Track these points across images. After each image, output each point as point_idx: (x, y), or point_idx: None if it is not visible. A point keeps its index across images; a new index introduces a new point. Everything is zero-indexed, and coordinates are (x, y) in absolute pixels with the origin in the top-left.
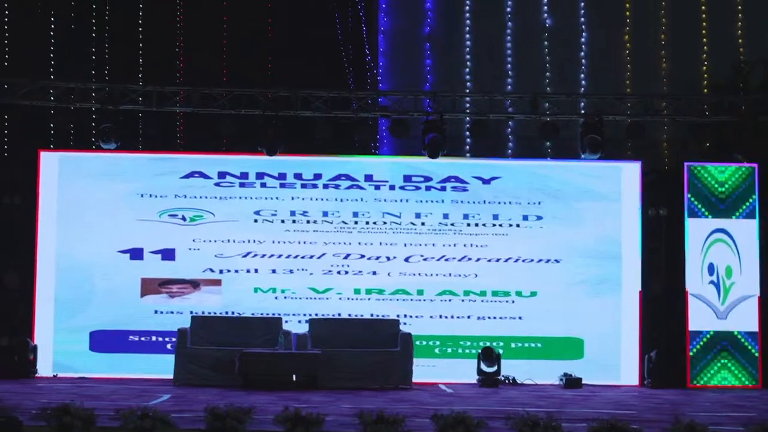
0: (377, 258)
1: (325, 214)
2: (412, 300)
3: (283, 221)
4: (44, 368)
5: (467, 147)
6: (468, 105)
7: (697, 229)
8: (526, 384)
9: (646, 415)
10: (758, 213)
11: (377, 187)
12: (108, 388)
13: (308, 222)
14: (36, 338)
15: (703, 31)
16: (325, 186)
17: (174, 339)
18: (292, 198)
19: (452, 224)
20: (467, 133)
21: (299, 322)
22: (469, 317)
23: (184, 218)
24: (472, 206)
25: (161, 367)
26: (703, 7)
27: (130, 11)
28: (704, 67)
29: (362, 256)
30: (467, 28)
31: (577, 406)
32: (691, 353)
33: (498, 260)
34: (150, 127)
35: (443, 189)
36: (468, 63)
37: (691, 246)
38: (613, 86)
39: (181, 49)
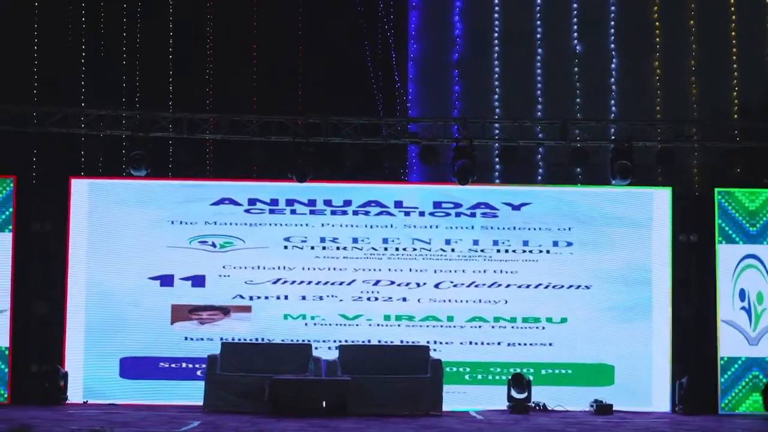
0: (407, 284)
1: (355, 240)
2: (442, 326)
3: (312, 248)
4: (75, 395)
5: (496, 173)
6: (497, 131)
7: (727, 255)
8: (556, 410)
9: None
10: None
11: (407, 214)
12: (138, 415)
13: (338, 248)
14: (66, 365)
15: (734, 57)
16: (355, 212)
17: (204, 366)
18: (322, 224)
19: (482, 250)
20: (496, 159)
21: (329, 348)
22: (499, 344)
23: (214, 245)
24: (501, 232)
25: (191, 393)
26: (733, 33)
27: (160, 39)
28: (734, 93)
29: (392, 283)
30: (496, 54)
31: None
32: (722, 379)
33: (528, 286)
34: (181, 154)
35: (473, 215)
36: (497, 89)
37: (722, 272)
38: (643, 112)
39: (212, 76)
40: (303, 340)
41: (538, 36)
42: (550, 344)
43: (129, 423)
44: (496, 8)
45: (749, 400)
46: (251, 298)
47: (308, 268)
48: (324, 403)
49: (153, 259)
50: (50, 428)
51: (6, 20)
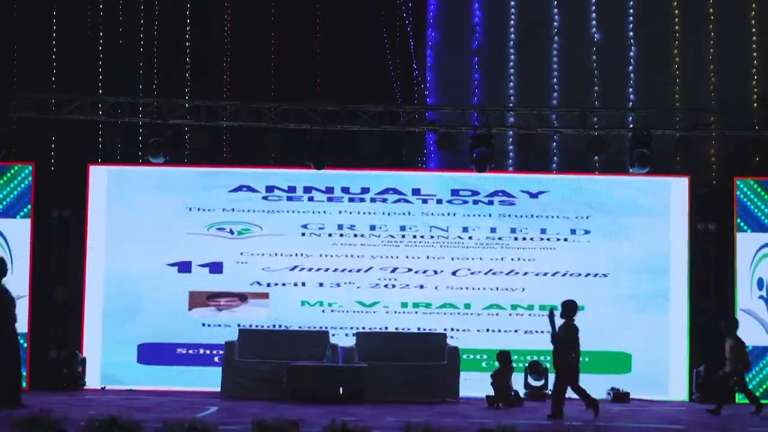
0: (424, 272)
1: (373, 227)
2: (459, 314)
3: (330, 235)
4: (93, 380)
5: (510, 161)
6: (515, 119)
7: (746, 244)
8: (573, 398)
9: (694, 430)
10: None
11: (424, 201)
12: (156, 401)
13: (355, 236)
14: (85, 351)
15: (753, 45)
16: (373, 200)
17: (221, 352)
18: (340, 212)
19: (499, 238)
20: (510, 147)
21: (346, 335)
22: (516, 331)
23: (231, 232)
24: (519, 220)
25: (209, 379)
26: (753, 21)
27: (178, 27)
28: (754, 82)
29: (409, 270)
30: (512, 42)
31: (625, 420)
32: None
33: (545, 274)
34: (199, 141)
35: (491, 203)
36: (515, 77)
37: (740, 261)
38: (662, 101)
39: (229, 64)
40: (320, 327)
41: (556, 24)
42: None
43: (147, 408)
44: None
45: None
46: (269, 284)
47: (325, 255)
48: (341, 390)
49: (171, 245)
50: (68, 414)
51: (25, 8)
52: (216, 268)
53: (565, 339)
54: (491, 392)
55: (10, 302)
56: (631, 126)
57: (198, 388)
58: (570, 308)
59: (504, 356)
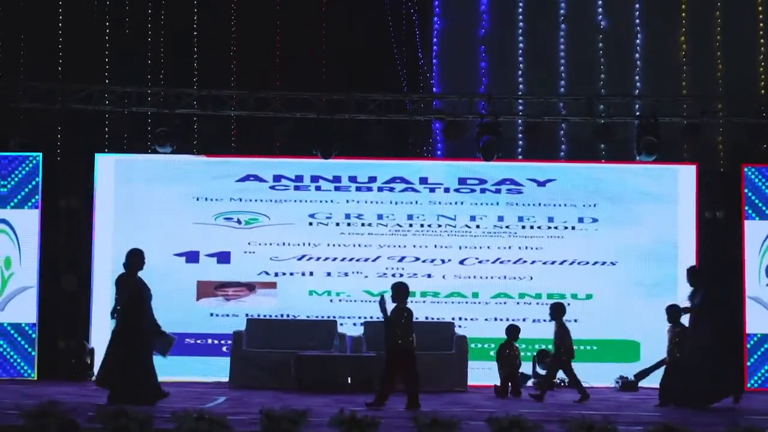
0: (432, 261)
1: (380, 216)
2: (467, 303)
3: (338, 224)
4: None
5: (519, 149)
6: (522, 107)
7: (754, 232)
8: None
9: (702, 418)
10: None
11: (432, 190)
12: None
13: (363, 225)
14: (93, 341)
15: (760, 32)
16: (380, 189)
17: (230, 342)
18: (347, 201)
19: (507, 226)
20: (519, 135)
21: (354, 324)
22: (524, 320)
23: (239, 221)
24: (527, 208)
25: (217, 369)
26: (760, 8)
27: (185, 16)
28: (761, 68)
29: (417, 259)
30: (521, 30)
31: (633, 409)
32: (748, 356)
33: (553, 263)
34: (207, 130)
35: (498, 191)
36: (522, 65)
37: (748, 248)
38: (669, 88)
39: (236, 52)
40: (328, 317)
41: (562, 11)
42: (576, 320)
43: None
44: None
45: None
46: (276, 274)
47: (333, 245)
48: (349, 379)
49: (178, 235)
50: (77, 404)
51: None
52: (224, 257)
53: (394, 320)
54: (499, 381)
55: (145, 294)
56: (638, 113)
57: (206, 378)
58: (399, 292)
59: (512, 330)
